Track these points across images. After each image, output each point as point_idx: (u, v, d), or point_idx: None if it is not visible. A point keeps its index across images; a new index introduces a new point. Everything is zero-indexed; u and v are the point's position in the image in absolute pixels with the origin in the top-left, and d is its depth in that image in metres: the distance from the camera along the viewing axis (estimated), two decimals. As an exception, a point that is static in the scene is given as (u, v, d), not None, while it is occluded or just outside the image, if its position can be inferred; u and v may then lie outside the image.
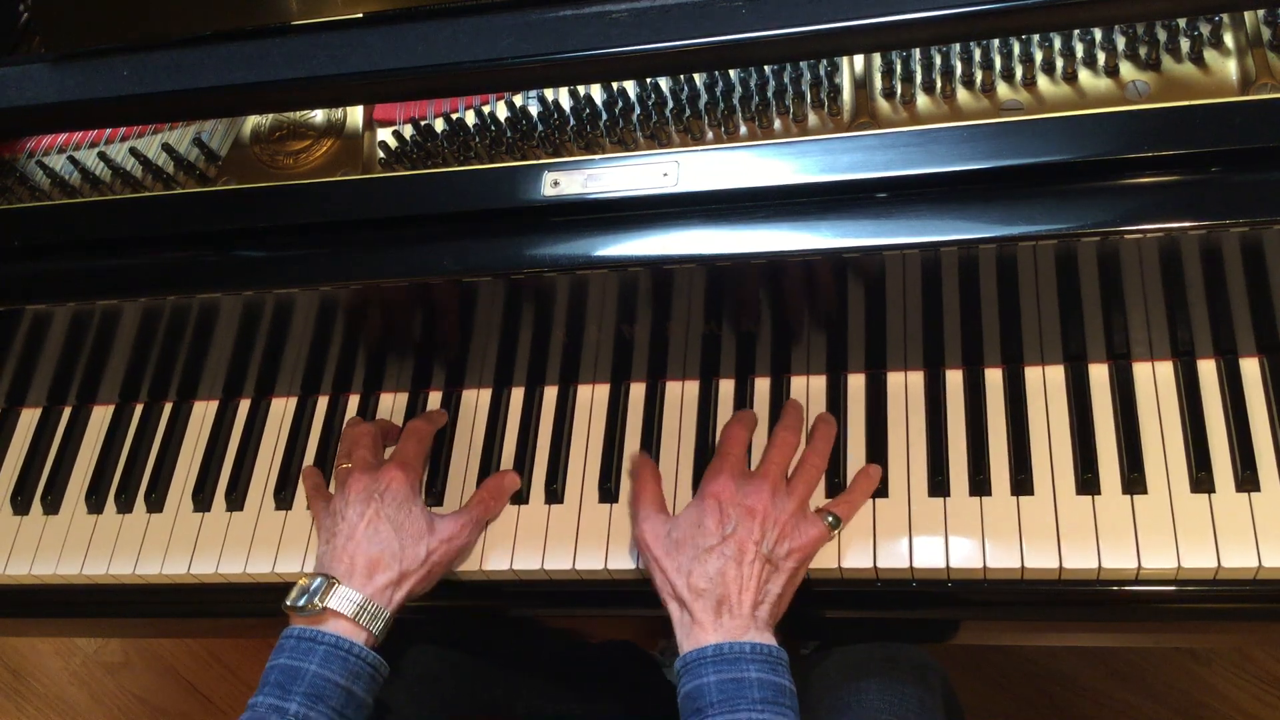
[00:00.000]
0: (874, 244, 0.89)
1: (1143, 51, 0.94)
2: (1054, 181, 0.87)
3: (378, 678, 0.93)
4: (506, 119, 1.02)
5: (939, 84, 0.96)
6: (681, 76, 1.00)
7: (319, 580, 0.94)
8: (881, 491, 1.00)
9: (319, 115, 1.10)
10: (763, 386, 1.08)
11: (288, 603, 0.94)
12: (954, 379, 1.04)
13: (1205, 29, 0.93)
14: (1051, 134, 0.87)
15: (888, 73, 0.98)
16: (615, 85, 1.02)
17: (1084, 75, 0.94)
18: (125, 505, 1.16)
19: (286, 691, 0.88)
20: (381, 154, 1.06)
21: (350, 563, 0.95)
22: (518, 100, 1.03)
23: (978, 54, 0.97)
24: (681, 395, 1.10)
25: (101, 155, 1.12)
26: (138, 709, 2.03)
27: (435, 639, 1.18)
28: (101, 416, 1.23)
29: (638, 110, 1.01)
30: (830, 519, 0.96)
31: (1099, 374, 1.01)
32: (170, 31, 0.99)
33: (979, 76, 0.96)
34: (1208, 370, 1.00)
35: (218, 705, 1.99)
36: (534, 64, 0.91)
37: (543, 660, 1.29)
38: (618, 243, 0.94)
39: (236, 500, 1.14)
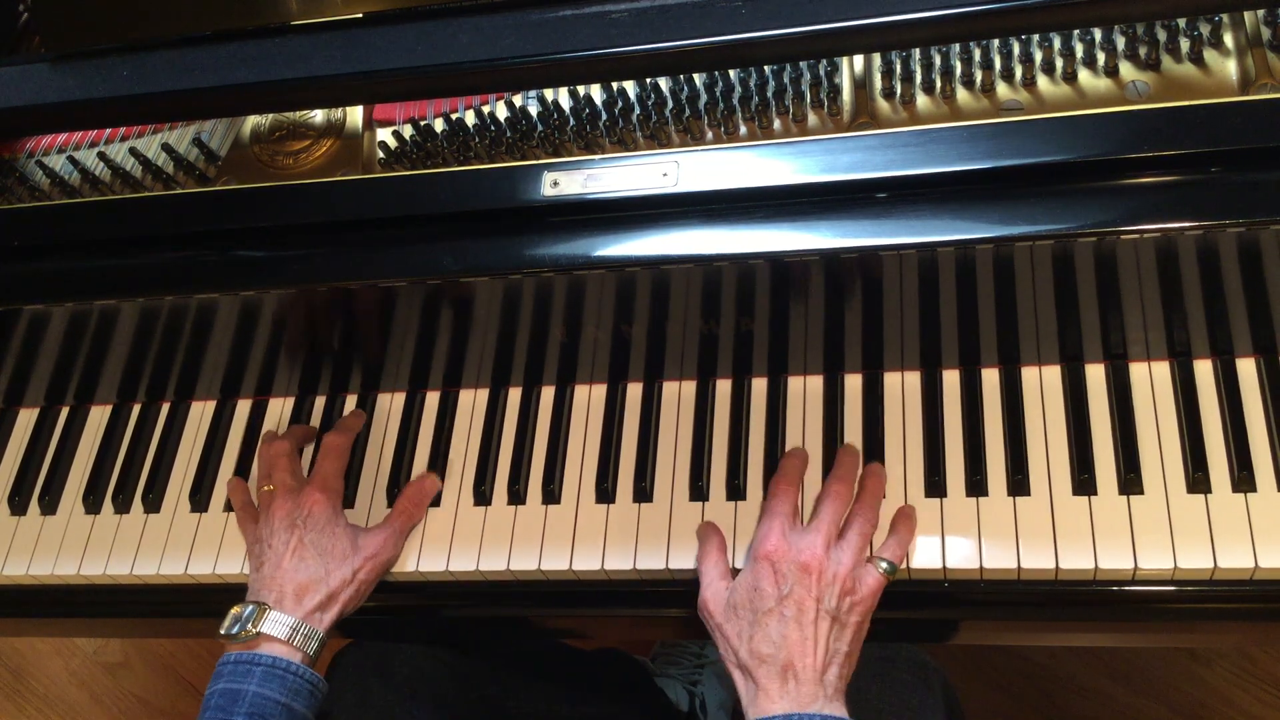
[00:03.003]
0: (873, 244, 0.89)
1: (1143, 51, 0.94)
2: (1054, 181, 0.87)
3: (316, 694, 0.95)
4: (506, 119, 1.02)
5: (939, 84, 0.96)
6: (681, 76, 1.01)
7: (250, 608, 0.96)
8: (880, 491, 1.00)
9: (319, 115, 1.10)
10: (759, 387, 1.08)
11: (221, 631, 0.96)
12: (951, 379, 1.04)
13: (1205, 29, 0.93)
14: (1051, 134, 0.87)
15: (888, 73, 0.98)
16: (615, 85, 1.02)
17: (1084, 75, 0.94)
18: (123, 505, 1.16)
19: (229, 715, 0.90)
20: (381, 154, 1.06)
21: (280, 590, 0.97)
22: (518, 100, 1.03)
23: (977, 54, 0.97)
24: (679, 395, 1.10)
25: (101, 155, 1.12)
26: (138, 709, 2.02)
27: (427, 639, 1.18)
28: (99, 416, 1.23)
29: (637, 110, 1.01)
30: (885, 565, 0.93)
31: (1096, 374, 1.01)
32: (170, 31, 0.99)
33: (979, 76, 0.96)
34: (1204, 371, 1.00)
35: (217, 705, 1.99)
36: (534, 64, 0.91)
37: (536, 660, 1.29)
38: (617, 243, 0.94)
39: (235, 500, 1.14)
